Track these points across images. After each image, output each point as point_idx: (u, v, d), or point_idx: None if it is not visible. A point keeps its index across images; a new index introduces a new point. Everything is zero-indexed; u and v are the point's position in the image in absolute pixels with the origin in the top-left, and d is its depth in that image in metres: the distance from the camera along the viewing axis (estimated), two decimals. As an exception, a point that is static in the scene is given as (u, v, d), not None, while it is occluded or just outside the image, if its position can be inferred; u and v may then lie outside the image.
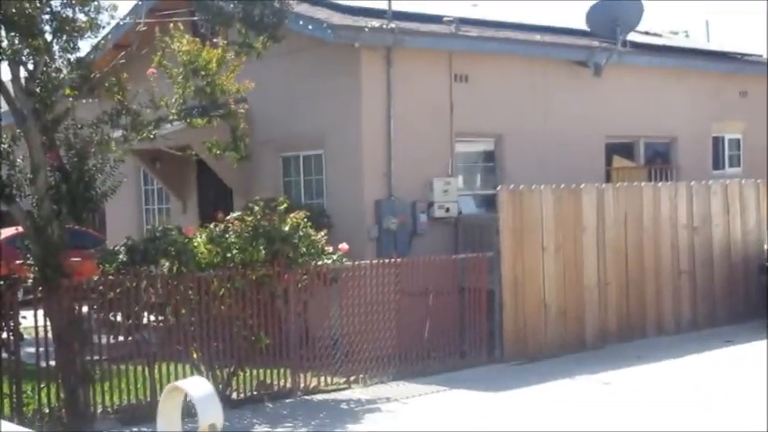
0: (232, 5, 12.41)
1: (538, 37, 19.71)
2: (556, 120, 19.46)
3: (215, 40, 13.61)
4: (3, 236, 22.97)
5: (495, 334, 15.89)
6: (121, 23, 19.28)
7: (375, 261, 15.15)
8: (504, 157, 19.03)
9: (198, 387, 4.16)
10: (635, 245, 17.46)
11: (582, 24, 20.64)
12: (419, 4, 19.43)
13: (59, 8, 12.39)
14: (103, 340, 12.76)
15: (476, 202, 18.95)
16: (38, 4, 12.16)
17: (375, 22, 17.19)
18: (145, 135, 13.40)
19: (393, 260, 15.26)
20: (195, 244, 13.45)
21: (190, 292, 13.14)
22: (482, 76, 18.63)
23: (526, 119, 19.18)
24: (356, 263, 14.67)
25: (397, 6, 17.87)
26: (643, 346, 16.71)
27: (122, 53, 13.81)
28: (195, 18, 13.49)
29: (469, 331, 15.75)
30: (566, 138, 19.52)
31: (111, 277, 12.71)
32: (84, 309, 12.56)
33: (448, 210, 17.85)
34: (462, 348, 15.75)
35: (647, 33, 24.04)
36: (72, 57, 13.08)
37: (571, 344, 16.45)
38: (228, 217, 14.25)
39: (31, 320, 12.24)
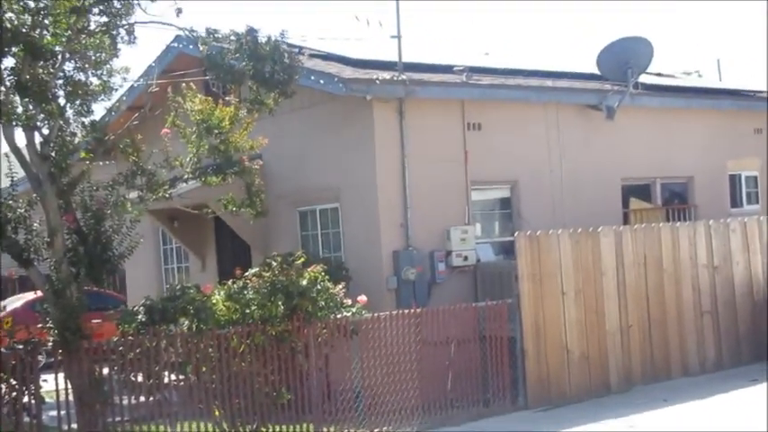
0: (242, 63, 12.50)
1: (549, 83, 19.78)
2: (571, 164, 19.47)
3: (227, 98, 13.72)
4: (23, 301, 23.13)
5: (519, 381, 15.78)
6: (135, 85, 19.52)
7: (395, 312, 15.11)
8: (520, 203, 19.02)
9: None
10: (655, 286, 17.36)
11: (593, 68, 20.71)
12: (430, 54, 19.57)
13: (72, 72, 12.52)
14: (125, 401, 12.75)
15: (494, 250, 18.91)
16: (51, 70, 12.30)
17: (386, 74, 17.31)
18: (160, 195, 13.50)
19: (412, 310, 15.22)
20: (214, 301, 13.47)
21: (210, 349, 13.14)
22: (495, 123, 18.68)
23: (541, 164, 19.20)
24: (375, 314, 14.64)
25: (408, 58, 17.99)
26: (669, 387, 16.55)
27: (136, 115, 13.93)
28: (207, 77, 13.57)
29: (492, 379, 15.65)
30: (581, 181, 19.51)
31: (130, 338, 12.72)
32: (105, 370, 12.56)
33: (466, 258, 17.83)
34: (486, 397, 15.63)
35: (659, 75, 24.09)
36: (86, 120, 13.23)
37: (595, 388, 16.31)
38: (247, 273, 14.29)
39: (52, 384, 12.25)
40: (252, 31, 12.44)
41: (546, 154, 19.30)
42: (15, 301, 24.13)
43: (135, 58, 32.28)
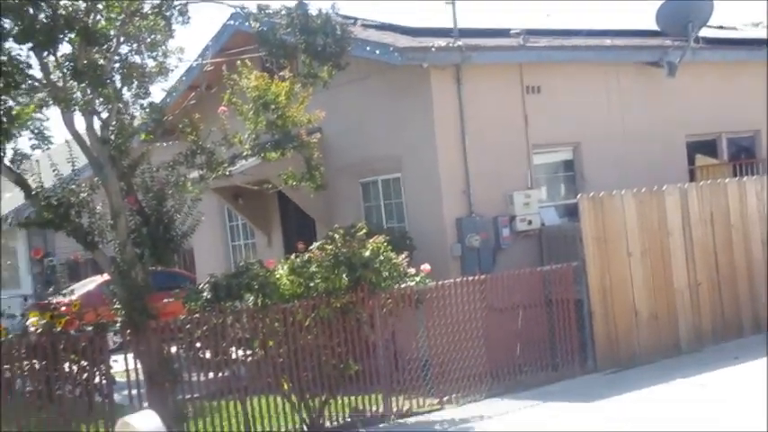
0: (294, 38, 12.51)
1: (608, 41, 19.51)
2: (633, 123, 19.22)
3: (281, 73, 13.74)
4: (96, 283, 23.51)
5: (587, 344, 15.71)
6: (194, 65, 19.64)
7: (459, 279, 15.10)
8: (583, 165, 18.84)
9: (146, 422, 4.46)
10: (724, 243, 17.14)
11: (652, 24, 20.39)
12: (486, 19, 19.41)
13: (127, 55, 12.63)
14: (194, 378, 12.92)
15: (558, 213, 18.76)
16: (106, 54, 12.42)
17: (442, 42, 17.20)
18: (220, 173, 13.59)
19: (477, 277, 15.20)
20: (277, 276, 13.55)
21: (276, 324, 13.24)
22: (555, 85, 18.49)
23: (603, 124, 18.98)
24: (440, 282, 14.65)
25: (464, 23, 17.86)
26: (740, 345, 16.37)
27: (192, 94, 14.03)
28: (258, 54, 13.60)
29: (560, 343, 15.60)
30: (645, 140, 19.25)
31: (196, 315, 12.87)
32: (173, 348, 12.73)
33: (530, 222, 17.72)
34: (554, 361, 15.59)
35: (720, 27, 23.63)
36: (145, 102, 13.35)
37: (665, 348, 16.17)
38: (311, 247, 14.36)
39: (122, 364, 12.45)
40: (302, 5, 12.45)
41: (607, 114, 19.07)
42: (88, 284, 24.52)
43: (193, 38, 32.48)
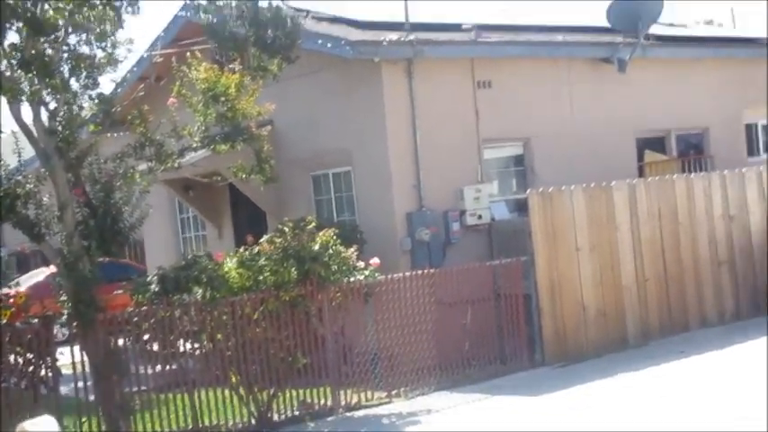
0: (243, 30, 12.46)
1: (560, 37, 19.64)
2: (584, 119, 19.36)
3: (231, 66, 13.68)
4: (44, 275, 23.30)
5: (535, 338, 15.82)
6: (144, 56, 19.53)
7: (408, 273, 15.15)
8: (533, 160, 18.97)
9: (44, 426, 4.48)
10: (671, 239, 17.31)
11: (603, 21, 20.53)
12: (438, 14, 19.45)
13: (75, 46, 12.50)
14: (142, 371, 12.86)
15: (509, 208, 18.87)
16: (54, 44, 12.29)
17: (394, 35, 17.23)
18: (169, 165, 13.50)
19: (426, 271, 15.25)
20: (226, 269, 13.51)
21: (224, 317, 13.21)
22: (506, 80, 18.59)
23: (553, 120, 19.10)
24: (389, 276, 14.68)
25: (416, 18, 17.88)
26: (687, 339, 16.56)
27: (141, 86, 13.92)
28: (209, 46, 13.53)
29: (509, 337, 15.70)
30: (595, 136, 19.41)
31: (144, 308, 12.81)
32: (120, 341, 12.66)
33: (480, 217, 17.81)
34: (503, 355, 15.69)
35: (670, 25, 23.83)
36: (93, 93, 13.21)
37: (613, 343, 16.30)
38: (261, 240, 14.33)
39: (68, 357, 12.36)
40: (251, -2, 12.41)
41: (558, 109, 19.20)
42: (36, 275, 24.31)
43: (145, 29, 32.23)
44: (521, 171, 19.22)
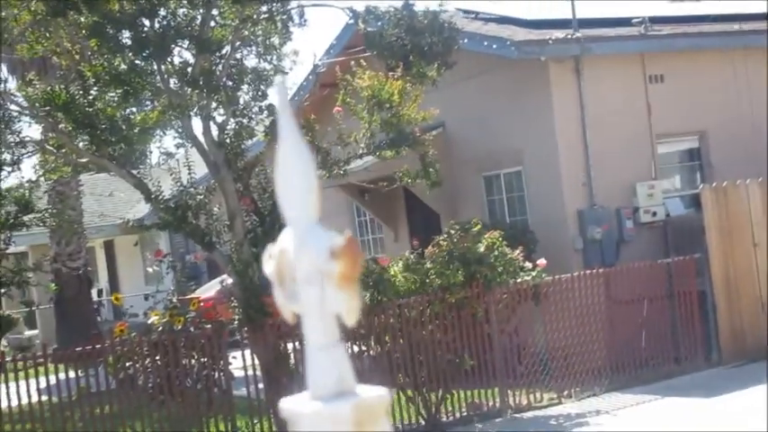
0: (401, 38, 12.67)
1: (735, 26, 19.07)
2: (762, 109, 18.74)
3: (391, 73, 13.89)
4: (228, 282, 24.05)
5: (711, 337, 15.46)
6: (320, 64, 20.00)
7: (577, 273, 15.05)
8: (710, 154, 18.50)
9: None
10: None
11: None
12: (607, 8, 19.18)
13: (239, 60, 12.99)
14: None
15: (684, 203, 18.46)
16: (220, 60, 12.81)
17: (560, 34, 17.12)
18: (335, 172, 13.84)
19: (594, 271, 15.12)
20: (392, 273, 13.75)
21: (391, 320, 13.45)
22: (679, 73, 18.19)
23: (730, 112, 18.57)
24: (557, 277, 14.62)
25: (584, 14, 17.72)
26: None
27: (306, 96, 14.33)
28: (367, 54, 13.79)
29: (683, 336, 15.39)
30: (775, 126, 18.76)
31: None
32: (290, 345, 13.05)
33: (654, 213, 17.50)
34: (677, 354, 15.39)
35: None
36: (263, 104, 13.71)
37: (795, 341, 15.77)
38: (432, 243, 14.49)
39: (240, 360, 12.84)
40: (407, 6, 12.61)
41: (735, 101, 18.64)
42: (219, 283, 25.10)
43: (317, 37, 33.10)
44: (697, 165, 18.77)
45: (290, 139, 2.09)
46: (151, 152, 12.97)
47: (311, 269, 1.97)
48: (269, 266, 1.98)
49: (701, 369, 15.16)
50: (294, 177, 2.05)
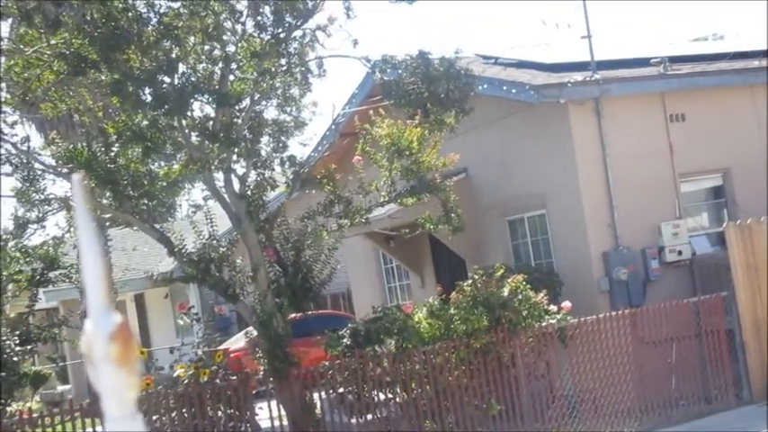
0: (417, 86, 12.77)
1: (755, 63, 19.08)
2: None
3: (409, 120, 13.99)
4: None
5: (741, 375, 15.34)
6: (341, 113, 20.15)
7: (602, 315, 15.00)
8: (734, 191, 18.43)
9: None
10: None
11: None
12: (626, 49, 19.27)
13: (257, 112, 13.13)
14: (337, 421, 13.23)
15: (710, 241, 18.38)
16: (239, 113, 12.95)
17: (579, 76, 17.19)
18: (357, 221, 13.91)
19: (620, 312, 15.08)
20: (416, 319, 13.77)
21: (417, 366, 13.45)
22: (700, 111, 18.19)
23: (753, 148, 18.51)
24: (582, 319, 14.59)
25: (602, 55, 17.79)
26: None
27: (326, 145, 14.45)
28: (385, 103, 13.89)
29: (713, 375, 15.28)
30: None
31: (337, 361, 13.19)
32: (316, 395, 13.07)
33: (680, 252, 17.43)
34: (707, 393, 15.27)
35: None
36: (284, 155, 13.85)
37: (826, 377, 15.61)
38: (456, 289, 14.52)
39: (266, 411, 12.86)
40: (422, 55, 12.70)
41: (757, 137, 18.60)
42: (244, 335, 25.18)
43: (343, 88, 33.31)
44: (722, 203, 18.71)
45: (84, 232, 2.29)
46: (175, 206, 12.99)
47: (100, 350, 2.20)
48: (83, 346, 2.20)
49: (731, 408, 15.03)
50: (88, 266, 2.25)
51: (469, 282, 14.33)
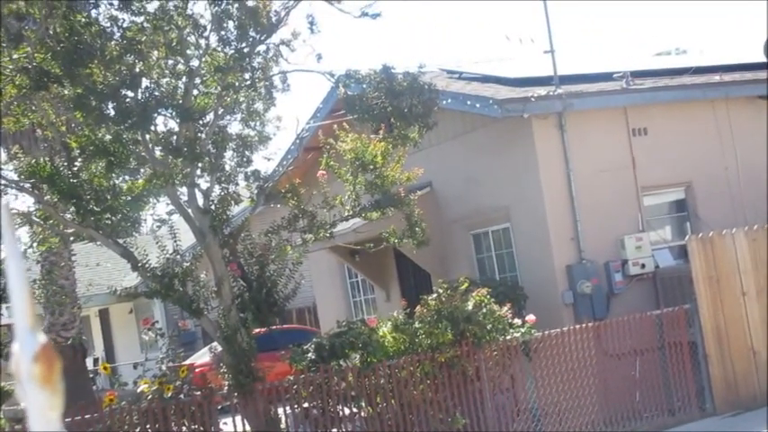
0: (380, 101, 12.79)
1: (717, 78, 19.27)
2: (746, 158, 18.88)
3: (373, 135, 14.03)
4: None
5: (704, 387, 15.44)
6: (307, 127, 20.15)
7: (566, 328, 15.07)
8: (696, 205, 18.59)
9: None
10: None
11: (760, 57, 20.05)
12: (589, 64, 19.42)
13: (221, 127, 13.11)
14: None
15: (673, 254, 18.52)
16: (203, 128, 12.92)
17: (542, 91, 17.30)
18: (321, 235, 13.90)
19: (584, 325, 15.14)
20: (381, 334, 13.77)
21: (381, 380, 13.45)
22: (662, 125, 18.35)
23: (714, 162, 18.71)
24: (546, 332, 14.65)
25: (566, 70, 17.92)
26: None
27: (291, 160, 14.44)
28: (349, 117, 13.92)
29: (676, 387, 15.38)
30: (760, 175, 18.88)
31: (302, 376, 13.17)
32: (281, 410, 13.04)
33: (643, 266, 17.56)
34: (671, 405, 15.37)
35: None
36: (248, 170, 13.82)
37: (788, 388, 15.75)
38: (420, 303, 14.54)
39: (231, 426, 12.81)
40: (386, 69, 12.73)
41: (719, 151, 18.79)
42: (209, 350, 25.09)
43: (307, 102, 33.43)
44: (684, 216, 18.86)
45: (11, 256, 2.34)
46: (139, 221, 12.92)
47: (25, 370, 2.28)
48: (12, 366, 2.24)
49: (695, 419, 15.13)
50: (14, 289, 2.31)
51: (434, 295, 14.36)
